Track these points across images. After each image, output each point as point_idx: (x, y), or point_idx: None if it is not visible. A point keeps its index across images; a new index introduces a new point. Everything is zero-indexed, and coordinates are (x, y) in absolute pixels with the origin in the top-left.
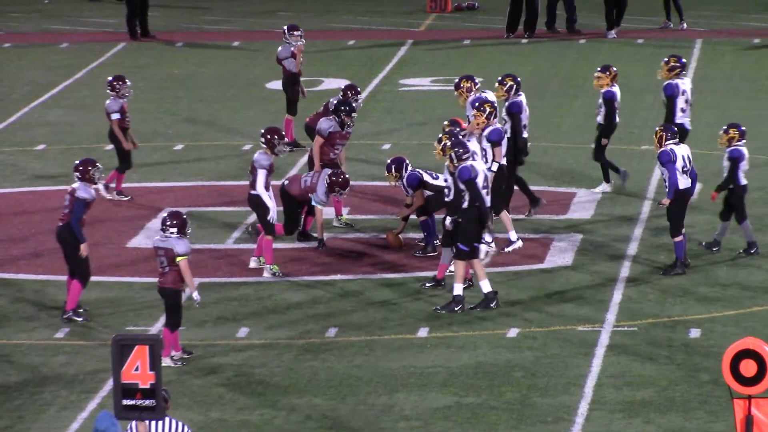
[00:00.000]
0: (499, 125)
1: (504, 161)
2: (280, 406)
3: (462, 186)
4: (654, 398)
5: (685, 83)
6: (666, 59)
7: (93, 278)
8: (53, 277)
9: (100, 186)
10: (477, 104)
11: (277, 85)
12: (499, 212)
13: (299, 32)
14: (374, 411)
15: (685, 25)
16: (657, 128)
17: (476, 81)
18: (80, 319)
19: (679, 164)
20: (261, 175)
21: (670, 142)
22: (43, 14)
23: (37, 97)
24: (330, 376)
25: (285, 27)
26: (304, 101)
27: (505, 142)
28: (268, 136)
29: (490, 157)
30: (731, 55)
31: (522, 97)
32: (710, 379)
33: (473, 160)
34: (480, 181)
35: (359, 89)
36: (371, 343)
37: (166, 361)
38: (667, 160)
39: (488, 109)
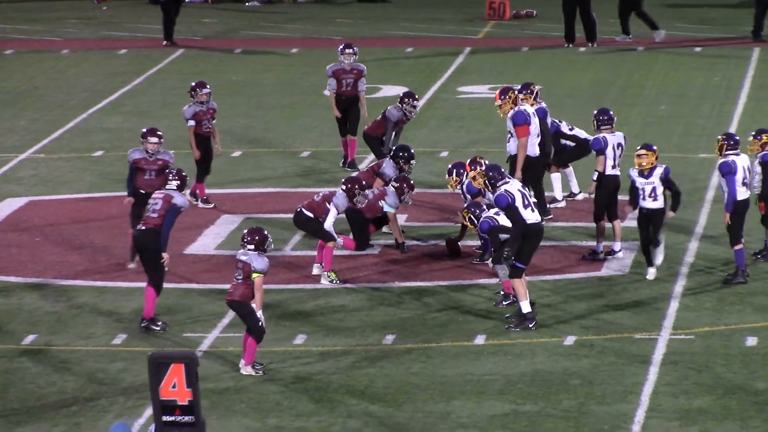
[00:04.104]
0: (601, 135)
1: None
2: (338, 413)
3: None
4: (711, 406)
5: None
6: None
7: None
8: (111, 283)
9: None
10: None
11: None
12: (599, 219)
13: (351, 50)
14: (431, 418)
15: None
16: (719, 137)
17: (521, 92)
18: (158, 328)
19: (739, 176)
20: (332, 214)
21: (731, 152)
22: (101, 21)
23: (95, 104)
24: (387, 383)
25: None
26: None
27: (609, 152)
28: (349, 186)
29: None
30: None
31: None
32: (767, 387)
33: (507, 183)
34: (519, 202)
35: (417, 96)
36: (428, 350)
37: (247, 370)
38: (727, 172)
39: (601, 117)
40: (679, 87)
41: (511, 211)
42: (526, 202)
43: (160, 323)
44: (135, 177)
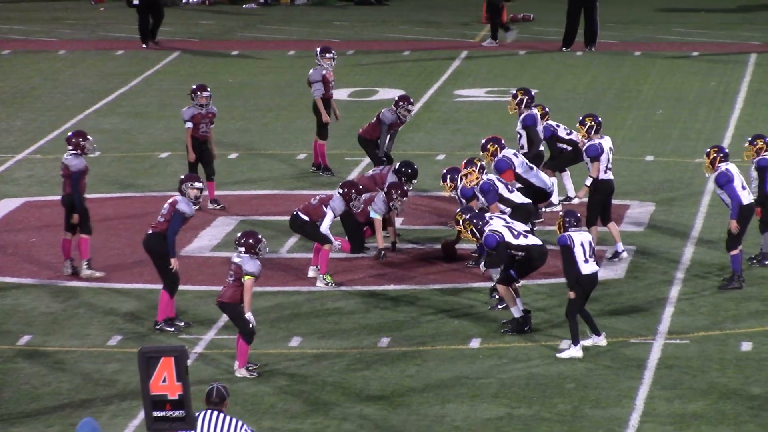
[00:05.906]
0: (597, 141)
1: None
2: (332, 416)
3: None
4: (705, 411)
5: None
6: None
7: (145, 286)
8: (106, 284)
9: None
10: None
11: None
12: (593, 224)
13: (331, 54)
14: (426, 421)
15: None
16: (709, 150)
17: (532, 93)
18: (172, 329)
19: (737, 182)
20: (329, 218)
21: (723, 163)
22: (98, 22)
23: (91, 105)
24: (382, 386)
25: (317, 48)
26: (358, 112)
27: (605, 158)
28: (346, 190)
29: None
30: None
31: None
32: (762, 392)
33: (490, 224)
34: (508, 237)
35: (412, 100)
36: (423, 353)
37: (241, 372)
38: (725, 182)
39: (589, 124)
40: (676, 91)
41: (502, 247)
42: (516, 233)
43: (180, 324)
44: (80, 185)
